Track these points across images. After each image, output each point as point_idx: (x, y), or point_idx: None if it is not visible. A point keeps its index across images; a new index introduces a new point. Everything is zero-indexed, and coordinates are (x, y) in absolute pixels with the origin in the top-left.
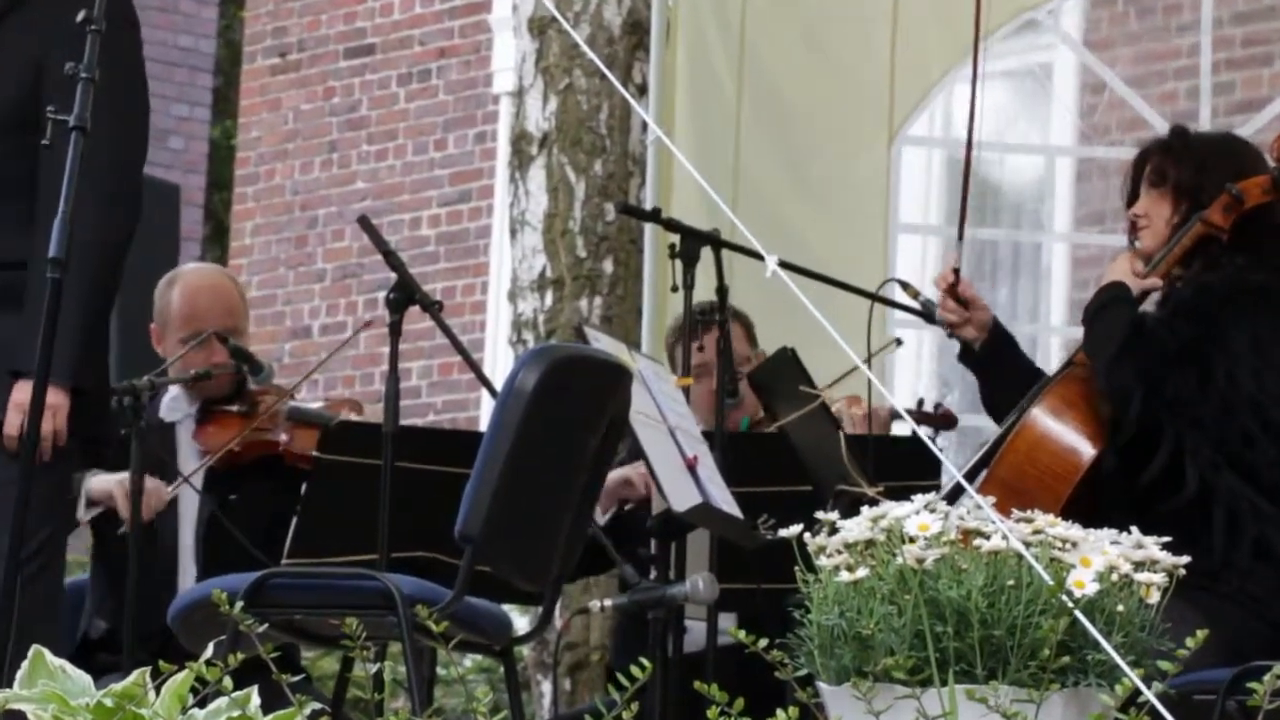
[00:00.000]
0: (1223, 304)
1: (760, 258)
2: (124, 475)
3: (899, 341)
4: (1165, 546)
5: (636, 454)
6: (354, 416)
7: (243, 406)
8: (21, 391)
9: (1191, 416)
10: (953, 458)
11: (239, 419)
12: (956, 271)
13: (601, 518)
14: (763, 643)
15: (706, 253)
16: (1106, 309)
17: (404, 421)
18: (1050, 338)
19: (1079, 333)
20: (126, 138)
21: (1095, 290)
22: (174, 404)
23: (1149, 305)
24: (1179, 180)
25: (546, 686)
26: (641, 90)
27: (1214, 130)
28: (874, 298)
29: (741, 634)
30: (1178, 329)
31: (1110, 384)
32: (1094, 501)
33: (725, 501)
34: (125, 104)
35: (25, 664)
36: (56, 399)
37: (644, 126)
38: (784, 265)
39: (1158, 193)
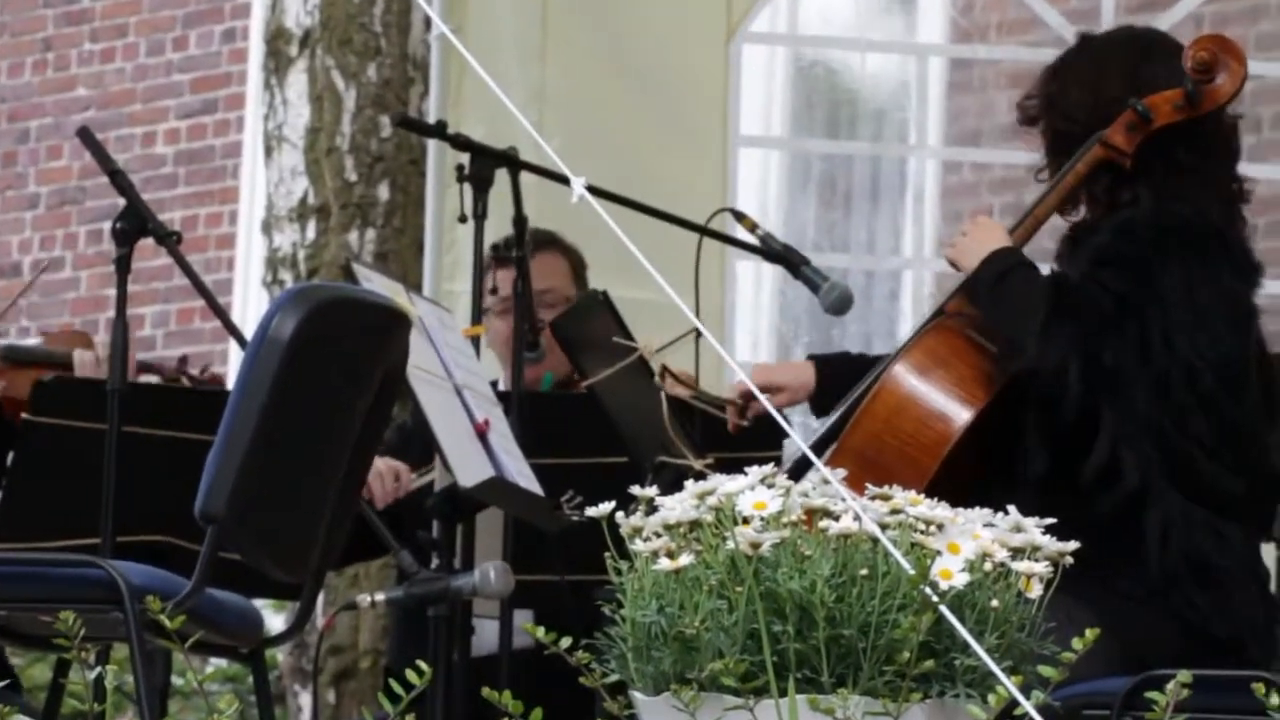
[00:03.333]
0: (1150, 244)
1: (565, 181)
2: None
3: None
4: (1094, 548)
5: (418, 419)
6: (85, 355)
7: None
8: None
9: (1128, 396)
10: (800, 424)
11: None
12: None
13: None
14: (565, 643)
15: (502, 176)
16: (1008, 277)
17: (134, 377)
18: (919, 273)
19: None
20: None
21: (980, 263)
22: None
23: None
24: (1047, 122)
25: (305, 698)
26: None
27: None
28: (702, 231)
29: (540, 632)
30: (1107, 281)
31: (1043, 361)
32: (965, 479)
33: (522, 475)
34: None
35: None
36: None
37: (427, 23)
38: (593, 191)
39: (1036, 137)
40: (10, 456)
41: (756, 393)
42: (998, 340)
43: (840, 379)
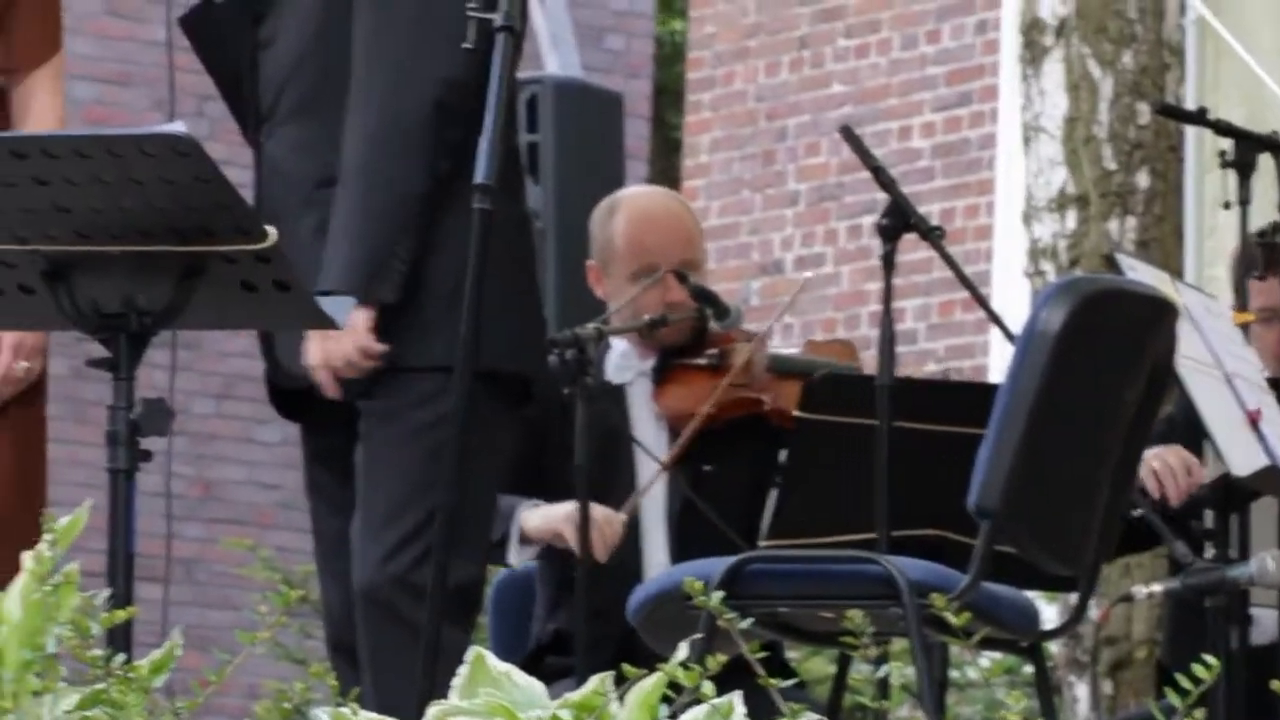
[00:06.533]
0: None
1: None
2: (570, 507)
3: None
4: None
5: (1185, 409)
6: (844, 364)
7: (709, 358)
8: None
9: None
10: None
11: (706, 374)
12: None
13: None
14: None
15: (1265, 160)
16: None
17: (900, 371)
18: None
19: None
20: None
21: None
22: (623, 360)
23: None
24: None
25: (1082, 689)
26: None
27: None
28: None
29: None
30: None
31: None
32: None
33: None
34: None
35: (463, 670)
36: (353, 319)
37: (1182, 7)
38: None
39: None
40: (783, 459)
41: None
42: None
43: None
